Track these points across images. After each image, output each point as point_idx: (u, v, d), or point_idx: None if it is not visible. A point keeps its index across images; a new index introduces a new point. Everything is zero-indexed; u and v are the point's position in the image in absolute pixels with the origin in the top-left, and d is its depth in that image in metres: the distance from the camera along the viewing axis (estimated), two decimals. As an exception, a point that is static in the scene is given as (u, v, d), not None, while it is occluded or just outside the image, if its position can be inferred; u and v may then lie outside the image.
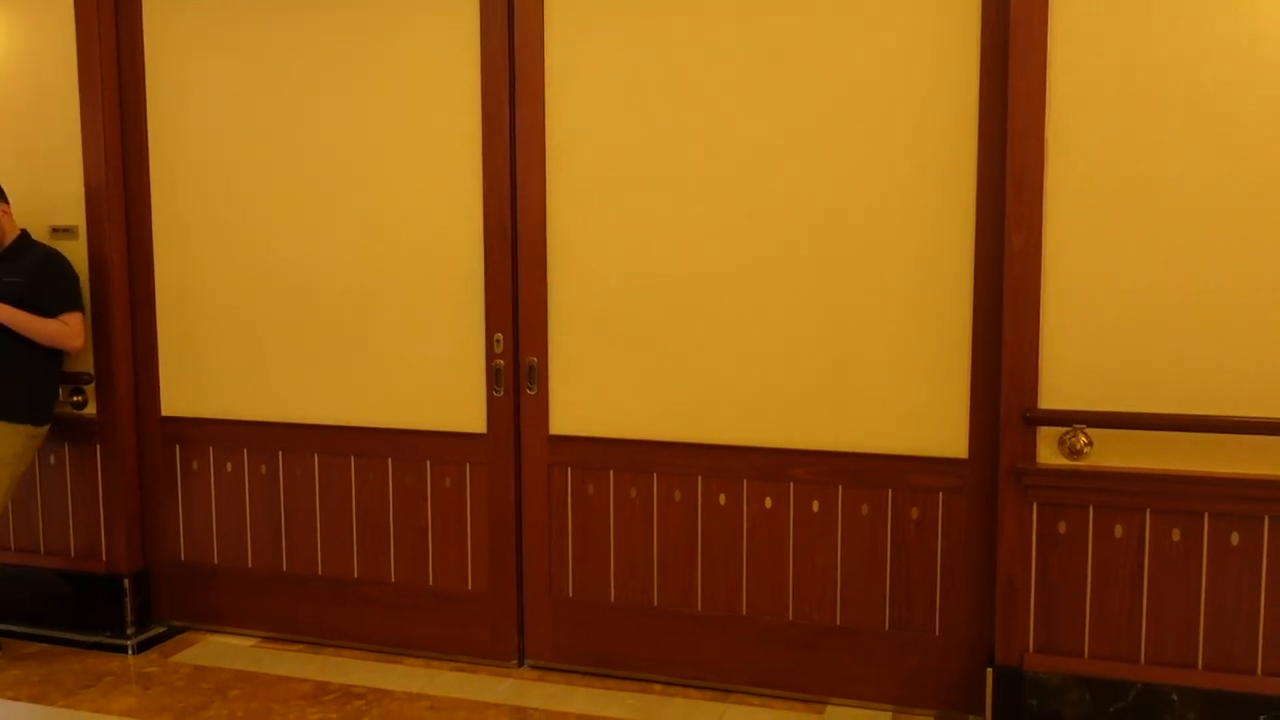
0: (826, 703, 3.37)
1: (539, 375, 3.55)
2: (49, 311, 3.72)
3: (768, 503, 3.37)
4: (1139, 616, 2.98)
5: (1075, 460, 2.97)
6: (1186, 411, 2.87)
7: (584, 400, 3.51)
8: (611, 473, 3.52)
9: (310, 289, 3.78)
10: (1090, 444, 2.95)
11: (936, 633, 3.26)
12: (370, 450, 3.78)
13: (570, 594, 3.61)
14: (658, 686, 3.51)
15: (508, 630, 3.69)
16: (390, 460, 3.76)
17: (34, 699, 3.51)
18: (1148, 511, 2.94)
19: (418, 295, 3.66)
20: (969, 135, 3.07)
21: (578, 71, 3.43)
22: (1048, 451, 3.00)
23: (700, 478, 3.43)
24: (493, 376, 3.59)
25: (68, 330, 3.75)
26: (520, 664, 3.70)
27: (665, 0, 3.31)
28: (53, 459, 4.07)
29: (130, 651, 3.91)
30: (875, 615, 3.31)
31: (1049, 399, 2.98)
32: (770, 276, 3.29)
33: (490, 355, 3.58)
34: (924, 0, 3.08)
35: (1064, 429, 2.97)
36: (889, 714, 3.30)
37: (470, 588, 3.72)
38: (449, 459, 3.69)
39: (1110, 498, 2.95)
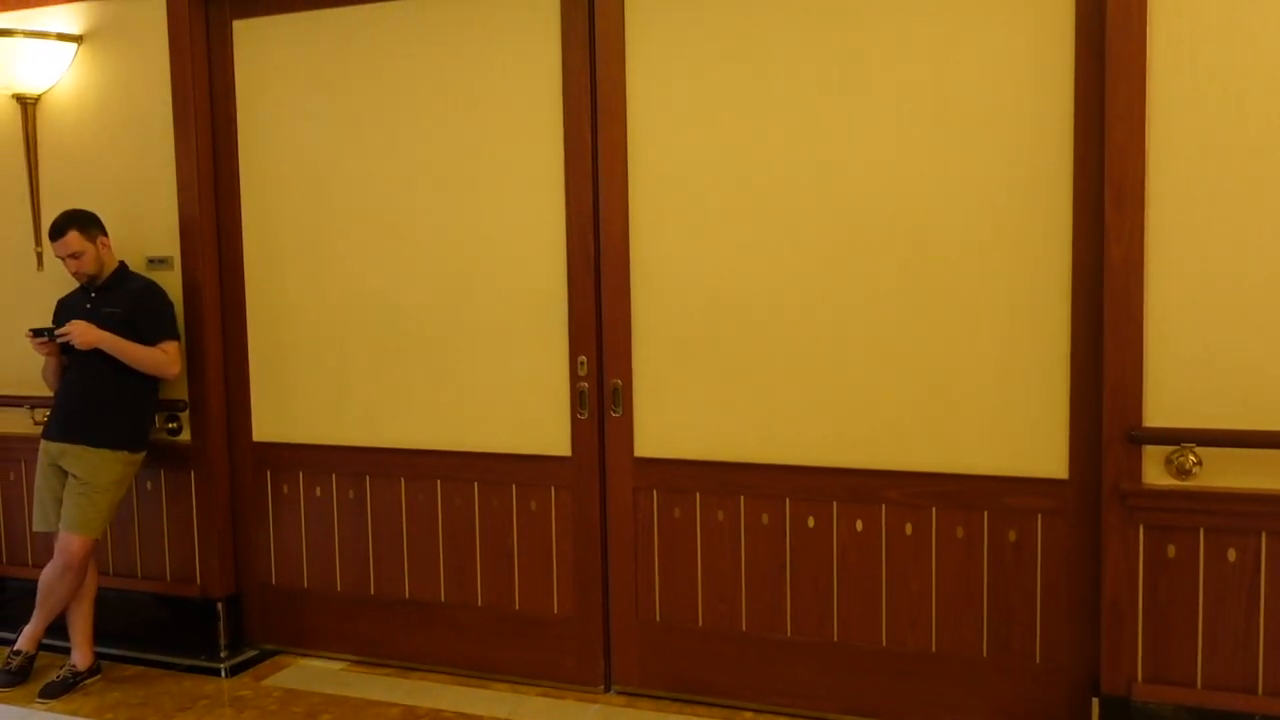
0: (923, 732, 3.28)
1: (624, 397, 3.53)
2: (147, 340, 3.81)
3: (859, 525, 3.30)
4: (1255, 644, 2.84)
5: (1184, 480, 2.86)
6: (1303, 428, 2.75)
7: (669, 422, 3.48)
8: (698, 495, 3.48)
9: (397, 315, 3.82)
10: (1200, 463, 2.83)
11: (1037, 660, 3.15)
12: (456, 474, 3.80)
13: (657, 619, 3.57)
14: (747, 714, 3.44)
15: (594, 655, 3.66)
16: (476, 484, 3.77)
17: (132, 721, 3.59)
18: (1263, 534, 2.81)
19: (502, 319, 3.67)
20: (1064, 145, 2.99)
21: (659, 92, 3.42)
22: (1154, 471, 2.89)
23: (788, 500, 3.37)
24: (577, 399, 3.58)
25: (166, 358, 3.84)
26: (607, 689, 3.67)
27: (747, 18, 3.29)
28: (149, 485, 4.17)
29: (223, 674, 3.97)
30: (972, 641, 3.21)
31: (1154, 416, 2.87)
32: (859, 293, 3.23)
33: (574, 378, 3.58)
34: (1015, 9, 3.01)
35: (1171, 448, 2.86)
36: (989, 744, 3.20)
37: (556, 611, 3.70)
38: (534, 482, 3.69)
39: (1223, 519, 2.83)
